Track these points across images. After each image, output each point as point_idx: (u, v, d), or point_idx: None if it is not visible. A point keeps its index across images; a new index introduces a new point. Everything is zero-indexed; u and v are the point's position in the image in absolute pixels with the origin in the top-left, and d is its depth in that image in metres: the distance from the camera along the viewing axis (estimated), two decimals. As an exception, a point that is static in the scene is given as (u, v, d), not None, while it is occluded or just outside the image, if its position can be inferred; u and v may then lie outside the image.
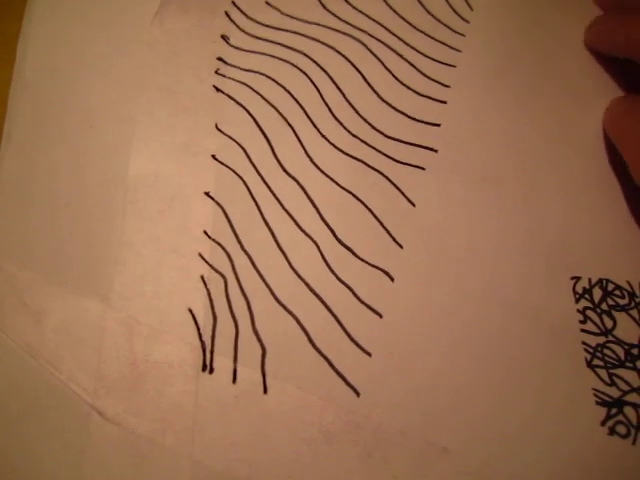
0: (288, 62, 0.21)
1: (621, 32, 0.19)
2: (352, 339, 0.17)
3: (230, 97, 0.20)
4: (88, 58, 0.21)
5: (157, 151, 0.19)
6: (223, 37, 0.21)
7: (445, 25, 0.22)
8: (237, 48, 0.21)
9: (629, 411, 0.16)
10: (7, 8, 0.22)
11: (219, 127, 0.20)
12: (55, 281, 0.18)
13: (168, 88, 0.20)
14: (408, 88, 0.21)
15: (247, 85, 0.21)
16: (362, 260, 0.18)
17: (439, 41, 0.21)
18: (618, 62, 0.20)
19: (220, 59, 0.21)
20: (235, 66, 0.21)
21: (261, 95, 0.20)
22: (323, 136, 0.20)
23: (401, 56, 0.21)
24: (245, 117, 0.20)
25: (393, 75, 0.21)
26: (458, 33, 0.21)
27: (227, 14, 0.22)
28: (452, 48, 0.21)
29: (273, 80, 0.21)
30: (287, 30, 0.22)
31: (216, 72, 0.21)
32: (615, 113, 0.19)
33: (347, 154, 0.20)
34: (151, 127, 0.20)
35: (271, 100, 0.20)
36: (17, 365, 0.17)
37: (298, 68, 0.21)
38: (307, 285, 0.18)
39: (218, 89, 0.21)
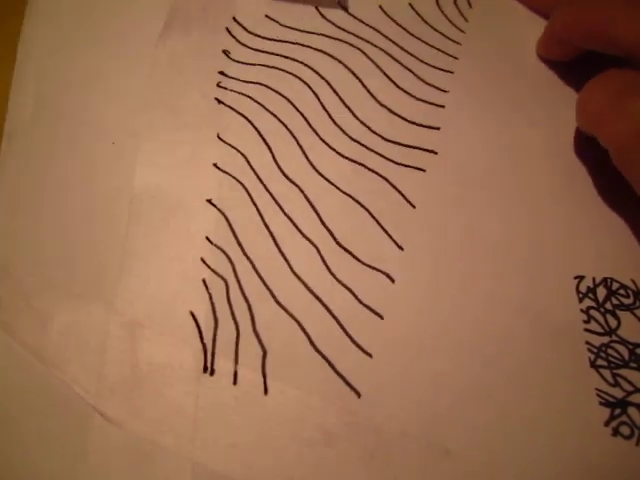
0: (287, 71, 0.22)
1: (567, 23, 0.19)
2: (353, 340, 0.17)
3: (231, 108, 0.21)
4: (98, 79, 0.22)
5: (161, 163, 0.20)
6: (224, 52, 0.22)
7: (441, 34, 0.22)
8: (238, 61, 0.22)
9: (633, 412, 0.16)
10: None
11: (221, 137, 0.20)
12: (62, 286, 0.18)
13: (171, 104, 0.21)
14: (406, 93, 0.21)
15: (248, 96, 0.21)
16: (362, 262, 0.18)
17: (436, 48, 0.22)
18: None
19: (221, 73, 0.22)
20: (236, 78, 0.22)
21: (261, 104, 0.21)
22: (323, 141, 0.20)
23: (399, 62, 0.21)
24: (246, 126, 0.21)
25: (391, 80, 0.21)
26: (454, 41, 0.22)
27: (228, 30, 0.22)
28: (449, 55, 0.22)
29: (273, 90, 0.21)
30: (286, 41, 0.22)
31: (217, 85, 0.21)
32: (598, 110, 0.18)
33: (347, 158, 0.20)
34: (155, 141, 0.20)
35: (271, 109, 0.21)
36: (21, 367, 0.17)
37: (297, 77, 0.21)
38: (308, 288, 0.18)
39: (220, 101, 0.21)
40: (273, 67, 0.22)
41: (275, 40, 0.22)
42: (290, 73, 0.22)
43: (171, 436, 0.16)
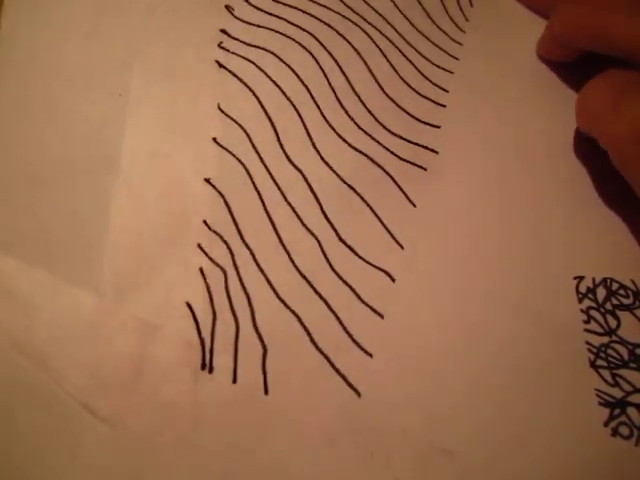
0: (295, 41, 0.20)
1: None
2: (353, 339, 0.16)
3: (234, 74, 0.19)
4: (78, 20, 0.19)
5: (154, 129, 0.18)
6: (227, 7, 0.20)
7: (443, 32, 0.22)
8: (242, 20, 0.20)
9: (632, 412, 0.16)
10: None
11: (221, 108, 0.19)
12: (43, 269, 0.16)
13: (166, 59, 0.19)
14: (410, 87, 0.20)
15: (252, 62, 0.19)
16: (364, 260, 0.18)
17: (438, 46, 0.21)
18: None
19: (223, 31, 0.20)
20: (239, 40, 0.20)
21: (266, 74, 0.19)
22: (330, 125, 0.19)
23: (403, 54, 0.21)
24: (249, 98, 0.19)
25: (396, 71, 0.21)
26: (455, 41, 0.22)
27: None
28: (450, 55, 0.21)
29: (279, 59, 0.20)
30: (295, 7, 0.21)
31: (219, 45, 0.20)
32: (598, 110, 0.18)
33: (353, 147, 0.19)
34: (147, 101, 0.18)
35: (277, 80, 0.19)
36: (2, 362, 0.15)
37: (306, 49, 0.20)
38: (309, 283, 0.17)
39: (221, 65, 0.19)
40: (280, 33, 0.20)
41: (283, 4, 0.21)
42: (298, 43, 0.20)
43: (168, 436, 0.15)
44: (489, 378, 0.16)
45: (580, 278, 0.18)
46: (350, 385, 0.16)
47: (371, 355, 0.16)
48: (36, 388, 0.15)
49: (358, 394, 0.16)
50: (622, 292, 0.18)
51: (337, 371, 0.16)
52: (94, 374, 0.15)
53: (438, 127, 0.20)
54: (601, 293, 0.18)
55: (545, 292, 0.18)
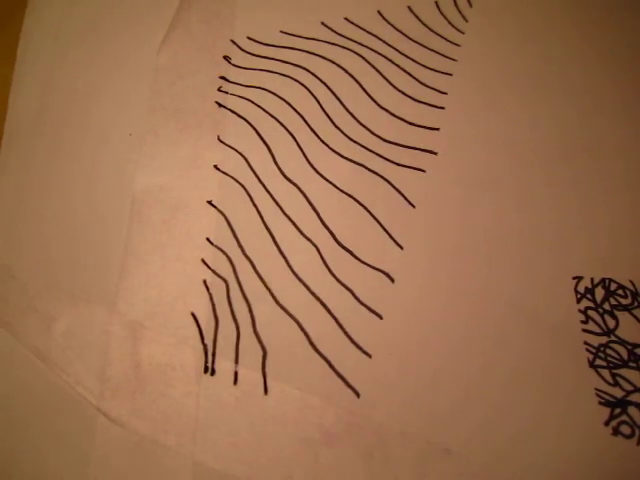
0: (287, 76, 0.22)
1: None
2: (352, 341, 0.17)
3: (232, 111, 0.21)
4: (103, 87, 0.22)
5: (162, 165, 0.20)
6: (225, 58, 0.22)
7: (440, 36, 0.22)
8: (239, 67, 0.22)
9: (633, 411, 0.16)
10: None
11: (221, 139, 0.21)
12: (65, 288, 0.19)
13: (173, 107, 0.22)
14: (405, 95, 0.21)
15: (248, 99, 0.22)
16: (362, 262, 0.18)
17: (435, 51, 0.22)
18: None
19: (222, 77, 0.22)
20: (237, 83, 0.22)
21: (262, 108, 0.21)
22: (323, 142, 0.20)
23: (398, 66, 0.22)
24: (246, 129, 0.21)
25: (391, 84, 0.21)
26: (453, 43, 0.22)
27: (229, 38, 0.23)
28: (448, 57, 0.22)
29: (273, 93, 0.22)
30: (286, 47, 0.22)
31: (219, 90, 0.22)
32: None
33: (347, 159, 0.20)
34: (156, 143, 0.21)
35: (271, 112, 0.21)
36: (26, 368, 0.18)
37: (297, 81, 0.22)
38: (307, 288, 0.18)
39: (220, 105, 0.21)
40: (273, 72, 0.22)
41: (275, 46, 0.22)
42: (290, 77, 0.22)
43: (173, 435, 0.16)
44: (488, 378, 0.17)
45: (579, 278, 0.18)
46: (349, 386, 0.17)
47: (370, 356, 0.17)
48: (54, 391, 0.17)
49: (357, 394, 0.17)
50: (620, 292, 0.18)
51: (336, 372, 0.17)
52: (106, 379, 0.17)
53: (437, 129, 0.20)
54: (599, 293, 0.18)
55: (544, 292, 0.18)
